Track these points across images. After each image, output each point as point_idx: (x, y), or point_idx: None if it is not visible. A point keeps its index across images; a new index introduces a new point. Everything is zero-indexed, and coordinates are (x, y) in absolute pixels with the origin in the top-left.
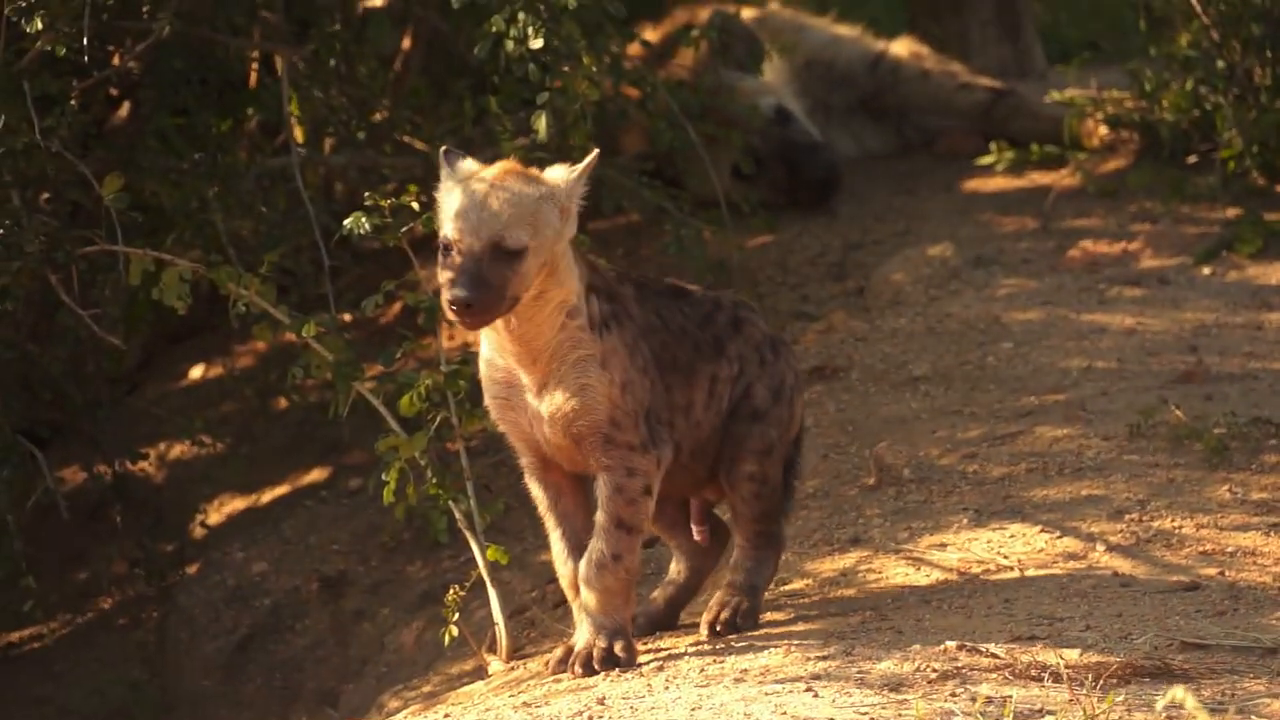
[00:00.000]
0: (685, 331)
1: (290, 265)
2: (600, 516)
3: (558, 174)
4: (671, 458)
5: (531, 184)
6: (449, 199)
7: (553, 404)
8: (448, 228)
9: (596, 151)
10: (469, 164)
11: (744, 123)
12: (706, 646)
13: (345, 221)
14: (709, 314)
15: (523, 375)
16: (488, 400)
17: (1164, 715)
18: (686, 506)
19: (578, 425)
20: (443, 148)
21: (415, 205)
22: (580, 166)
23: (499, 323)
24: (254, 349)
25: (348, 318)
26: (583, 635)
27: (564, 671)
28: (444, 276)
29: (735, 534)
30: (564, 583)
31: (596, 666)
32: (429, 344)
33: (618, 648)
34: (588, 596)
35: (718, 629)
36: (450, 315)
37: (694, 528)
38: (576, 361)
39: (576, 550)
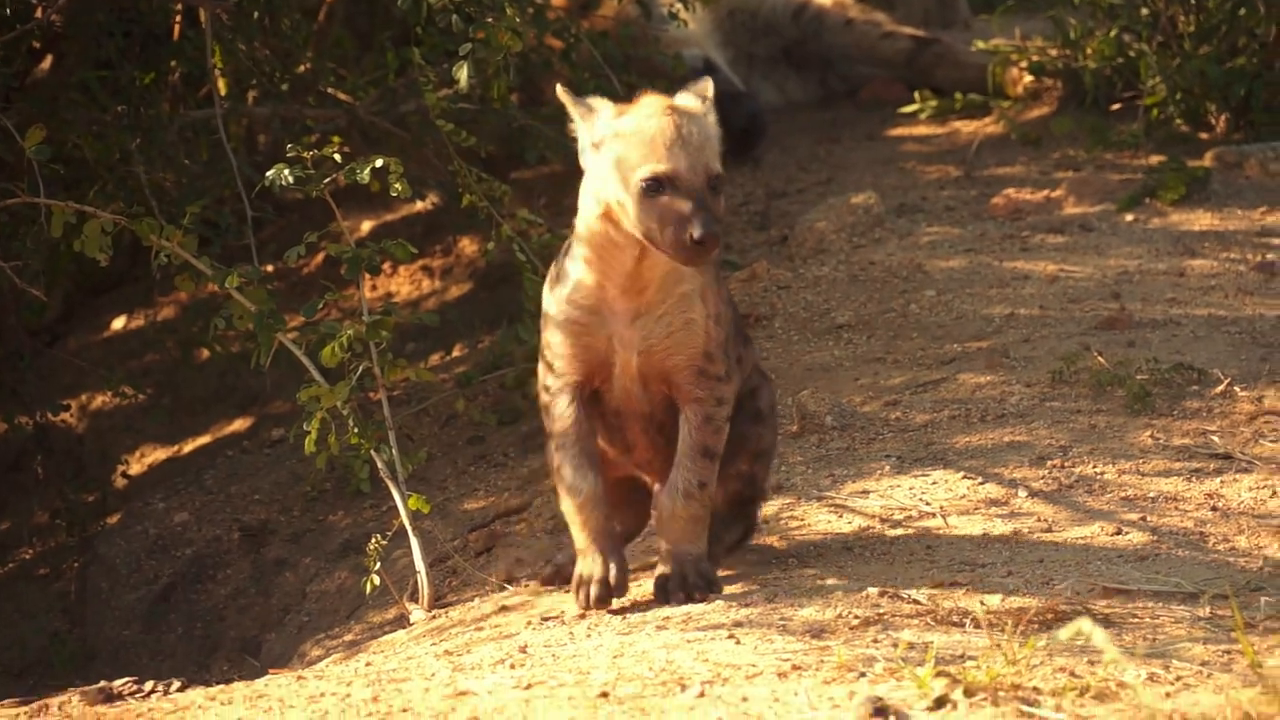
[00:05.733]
0: (732, 304)
1: (213, 216)
2: (686, 446)
3: (692, 102)
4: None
5: (704, 113)
6: (641, 134)
7: (651, 336)
8: (656, 165)
9: (709, 80)
10: (604, 101)
11: (668, 73)
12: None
13: (268, 173)
14: (734, 309)
15: (617, 303)
16: (561, 320)
17: (1085, 659)
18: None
19: (675, 359)
20: (560, 87)
21: (338, 157)
22: (710, 97)
23: (620, 252)
24: (176, 300)
25: (270, 269)
26: (672, 565)
27: (587, 609)
28: (669, 213)
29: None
30: (578, 499)
31: (697, 595)
32: (351, 294)
33: (705, 569)
34: (671, 526)
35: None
36: (683, 257)
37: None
38: (681, 296)
39: (595, 468)
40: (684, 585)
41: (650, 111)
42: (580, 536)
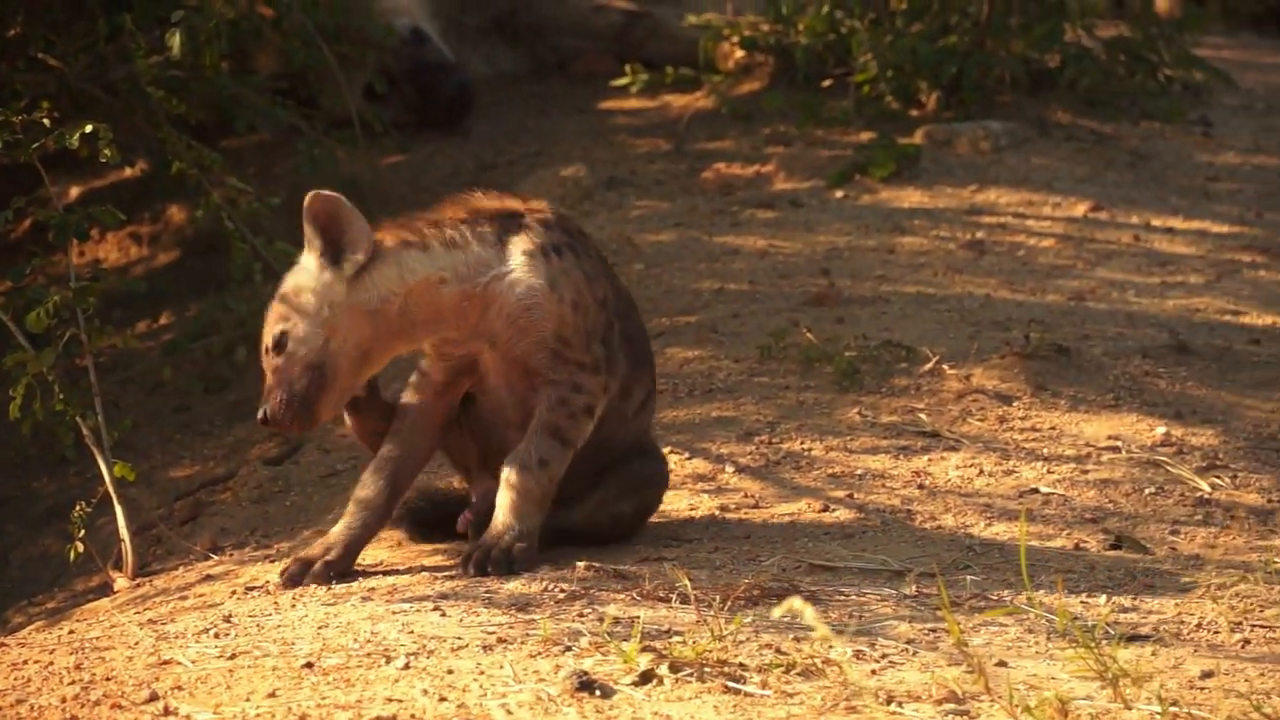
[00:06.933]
0: (644, 332)
1: None
2: (535, 424)
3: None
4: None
5: (292, 274)
6: None
7: (495, 326)
8: None
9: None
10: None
11: (378, 43)
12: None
13: None
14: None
15: None
16: None
17: (791, 636)
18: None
19: (524, 343)
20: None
21: (47, 122)
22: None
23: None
24: None
25: None
26: (488, 535)
27: (297, 587)
28: None
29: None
30: (358, 496)
31: (490, 568)
32: (59, 260)
33: (517, 549)
34: (503, 495)
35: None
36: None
37: (462, 516)
38: (512, 283)
39: (391, 479)
40: (481, 559)
41: None
42: (338, 527)
